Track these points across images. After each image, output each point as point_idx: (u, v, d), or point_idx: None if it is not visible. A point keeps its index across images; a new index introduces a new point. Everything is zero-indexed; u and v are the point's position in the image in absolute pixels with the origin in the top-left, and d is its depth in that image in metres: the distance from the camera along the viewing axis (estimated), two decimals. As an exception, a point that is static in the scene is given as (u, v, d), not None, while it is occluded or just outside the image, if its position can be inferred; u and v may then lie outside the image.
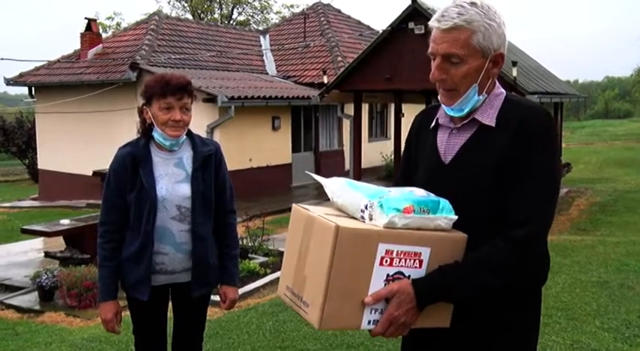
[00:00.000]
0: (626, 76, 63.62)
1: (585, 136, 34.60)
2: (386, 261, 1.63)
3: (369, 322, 1.66)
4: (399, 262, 1.64)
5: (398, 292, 1.62)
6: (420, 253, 1.65)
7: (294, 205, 1.83)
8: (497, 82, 1.84)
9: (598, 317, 4.93)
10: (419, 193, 1.71)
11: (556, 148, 1.75)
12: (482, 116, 1.78)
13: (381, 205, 1.63)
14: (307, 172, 2.14)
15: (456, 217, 1.68)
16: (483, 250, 1.66)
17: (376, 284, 1.63)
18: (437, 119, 1.90)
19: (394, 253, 1.63)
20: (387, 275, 1.64)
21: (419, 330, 1.73)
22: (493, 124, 1.76)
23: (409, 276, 1.65)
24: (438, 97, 1.84)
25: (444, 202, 1.69)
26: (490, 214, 1.71)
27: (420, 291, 1.63)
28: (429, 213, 1.66)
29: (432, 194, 1.71)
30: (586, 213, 11.95)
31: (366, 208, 1.66)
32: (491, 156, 1.72)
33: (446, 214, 1.67)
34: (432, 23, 1.75)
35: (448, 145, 1.84)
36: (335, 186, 1.80)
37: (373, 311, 1.65)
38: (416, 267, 1.66)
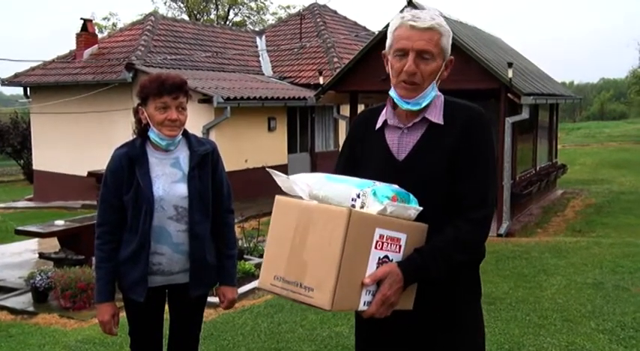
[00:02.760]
0: (621, 78, 63.98)
1: (581, 138, 34.67)
2: (379, 245, 1.76)
3: (364, 303, 1.76)
4: (387, 247, 1.78)
5: (390, 274, 1.76)
6: (400, 239, 1.80)
7: (278, 197, 1.89)
8: None
9: (593, 319, 4.94)
10: (395, 186, 1.85)
11: (494, 142, 2.03)
12: (431, 115, 1.98)
13: (374, 193, 1.76)
14: (267, 169, 2.07)
15: (422, 208, 1.84)
16: (449, 232, 1.87)
17: (371, 267, 1.75)
18: (385, 120, 2.05)
19: (384, 238, 1.76)
20: (379, 258, 1.77)
21: (373, 326, 1.86)
22: (442, 122, 1.97)
23: (392, 259, 1.80)
24: (391, 93, 1.99)
25: (412, 195, 1.86)
26: (442, 204, 1.92)
27: (406, 272, 1.78)
28: (404, 203, 1.82)
29: (402, 188, 1.86)
30: (581, 214, 11.97)
31: (358, 196, 1.77)
32: (444, 151, 1.94)
33: (414, 205, 1.84)
34: (406, 22, 1.92)
35: (400, 143, 2.01)
36: (312, 180, 1.88)
37: (367, 292, 1.76)
38: (396, 251, 1.80)
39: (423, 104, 1.96)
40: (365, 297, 1.75)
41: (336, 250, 1.67)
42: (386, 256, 1.77)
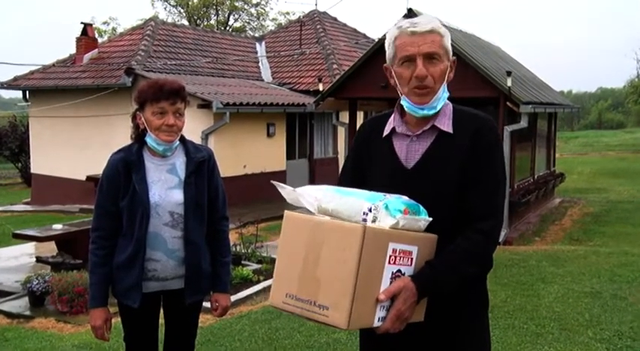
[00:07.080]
0: (619, 87, 64.04)
1: (579, 147, 34.72)
2: (392, 259, 1.72)
3: (378, 319, 1.73)
4: (400, 260, 1.75)
5: (404, 289, 1.74)
6: (412, 252, 1.77)
7: (287, 212, 1.84)
8: None
9: (591, 328, 4.93)
10: (405, 197, 1.81)
11: (502, 151, 2.02)
12: (440, 124, 1.96)
13: (387, 207, 1.72)
14: (273, 182, 2.03)
15: (431, 219, 1.82)
16: (459, 244, 1.85)
17: (385, 282, 1.72)
18: (393, 128, 2.03)
19: (397, 252, 1.73)
20: (392, 273, 1.74)
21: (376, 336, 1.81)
22: (451, 131, 1.95)
23: (404, 273, 1.77)
24: (402, 102, 1.97)
25: (421, 207, 1.83)
26: (451, 213, 1.89)
27: (420, 286, 1.76)
28: (415, 215, 1.79)
29: (411, 199, 1.82)
30: (579, 223, 11.97)
31: (369, 210, 1.74)
32: (454, 160, 1.92)
33: (424, 217, 1.81)
34: (406, 30, 1.91)
35: (409, 151, 1.98)
36: (320, 193, 1.84)
37: (382, 308, 1.73)
38: (408, 264, 1.77)
39: (438, 107, 1.94)
40: (379, 313, 1.72)
41: (352, 267, 1.63)
42: (399, 270, 1.74)
